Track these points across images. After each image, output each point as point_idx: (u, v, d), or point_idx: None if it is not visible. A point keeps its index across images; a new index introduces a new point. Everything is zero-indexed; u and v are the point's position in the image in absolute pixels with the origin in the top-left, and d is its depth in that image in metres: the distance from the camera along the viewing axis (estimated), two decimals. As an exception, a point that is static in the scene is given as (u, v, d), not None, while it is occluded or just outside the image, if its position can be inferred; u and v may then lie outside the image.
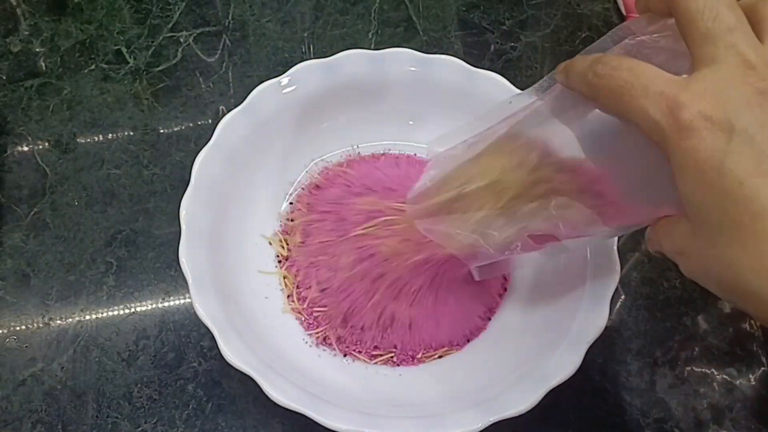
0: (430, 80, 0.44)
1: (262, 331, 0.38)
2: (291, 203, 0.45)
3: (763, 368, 0.42)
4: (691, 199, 0.24)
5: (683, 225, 0.26)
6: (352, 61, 0.44)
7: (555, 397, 0.34)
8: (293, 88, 0.43)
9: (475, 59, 0.55)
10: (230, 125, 0.41)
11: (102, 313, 0.43)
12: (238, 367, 0.33)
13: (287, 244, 0.43)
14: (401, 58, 0.44)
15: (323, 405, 0.33)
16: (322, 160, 0.46)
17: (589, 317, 0.36)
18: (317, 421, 0.33)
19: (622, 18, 0.56)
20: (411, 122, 0.46)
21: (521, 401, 0.33)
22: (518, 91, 0.43)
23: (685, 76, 0.25)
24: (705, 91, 0.23)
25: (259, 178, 0.43)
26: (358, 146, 0.47)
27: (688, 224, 0.25)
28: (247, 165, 0.42)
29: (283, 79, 0.43)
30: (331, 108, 0.45)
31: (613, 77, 0.25)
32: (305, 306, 0.41)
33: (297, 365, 0.38)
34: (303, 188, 0.45)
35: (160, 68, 0.53)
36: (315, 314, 0.41)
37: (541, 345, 0.37)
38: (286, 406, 0.33)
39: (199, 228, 0.38)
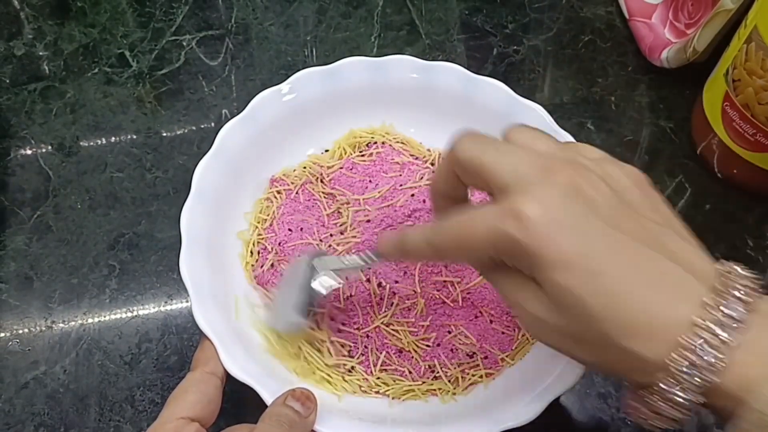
0: (430, 87, 0.44)
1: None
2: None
3: (763, 375, 0.42)
4: None
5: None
6: (353, 68, 0.44)
7: (558, 401, 0.34)
8: (294, 95, 0.43)
9: (478, 63, 0.55)
10: (231, 133, 0.41)
11: (105, 317, 0.43)
12: (239, 378, 0.34)
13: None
14: (402, 65, 0.44)
15: (323, 412, 0.33)
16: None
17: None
18: (317, 429, 0.33)
19: (625, 21, 0.56)
20: (412, 129, 0.46)
21: (524, 412, 0.33)
22: (518, 97, 0.43)
23: None
24: None
25: (260, 185, 0.43)
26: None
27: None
28: (247, 173, 0.42)
29: (284, 86, 0.43)
30: (332, 115, 0.45)
31: None
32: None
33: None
34: None
35: (163, 72, 0.54)
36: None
37: (543, 355, 0.37)
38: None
39: (200, 237, 0.38)
